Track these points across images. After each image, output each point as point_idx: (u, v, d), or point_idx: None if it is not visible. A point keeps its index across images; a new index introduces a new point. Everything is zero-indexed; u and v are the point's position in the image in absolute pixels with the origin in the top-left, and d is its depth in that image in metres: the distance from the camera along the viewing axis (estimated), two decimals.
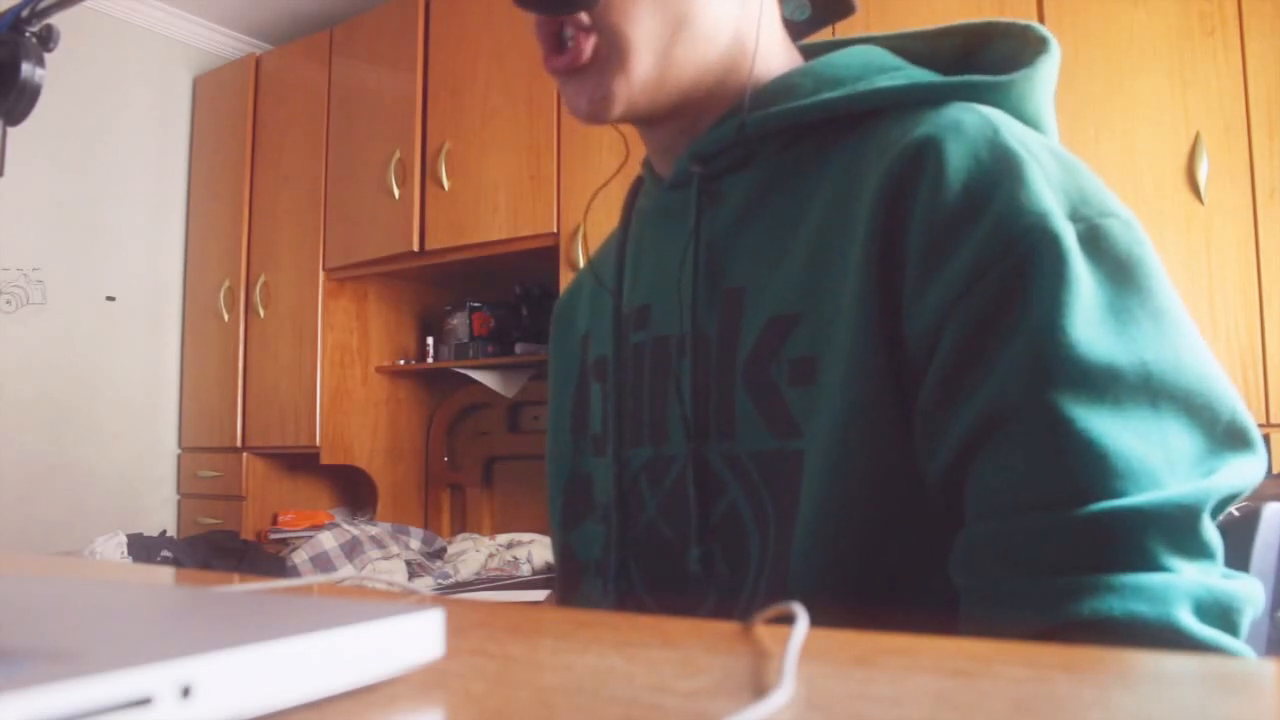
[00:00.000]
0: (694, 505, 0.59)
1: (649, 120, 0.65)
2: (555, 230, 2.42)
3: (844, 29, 1.26)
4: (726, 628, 0.37)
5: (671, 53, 0.60)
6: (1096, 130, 1.76)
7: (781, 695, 0.25)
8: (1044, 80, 0.60)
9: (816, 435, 0.54)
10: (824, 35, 0.77)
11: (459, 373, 2.84)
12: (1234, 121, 1.69)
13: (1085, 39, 1.78)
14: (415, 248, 2.66)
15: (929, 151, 0.52)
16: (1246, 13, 1.69)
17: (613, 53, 0.59)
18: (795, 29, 0.70)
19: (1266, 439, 1.59)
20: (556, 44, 0.60)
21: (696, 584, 0.59)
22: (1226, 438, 0.48)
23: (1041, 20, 1.81)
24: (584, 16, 0.59)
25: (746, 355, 0.58)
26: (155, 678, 0.22)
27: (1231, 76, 1.69)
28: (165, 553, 2.37)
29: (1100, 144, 1.75)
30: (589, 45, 0.59)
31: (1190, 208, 1.70)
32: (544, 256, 2.49)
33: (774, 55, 0.65)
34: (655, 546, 0.63)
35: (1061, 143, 0.61)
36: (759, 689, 0.27)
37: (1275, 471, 1.59)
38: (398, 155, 2.70)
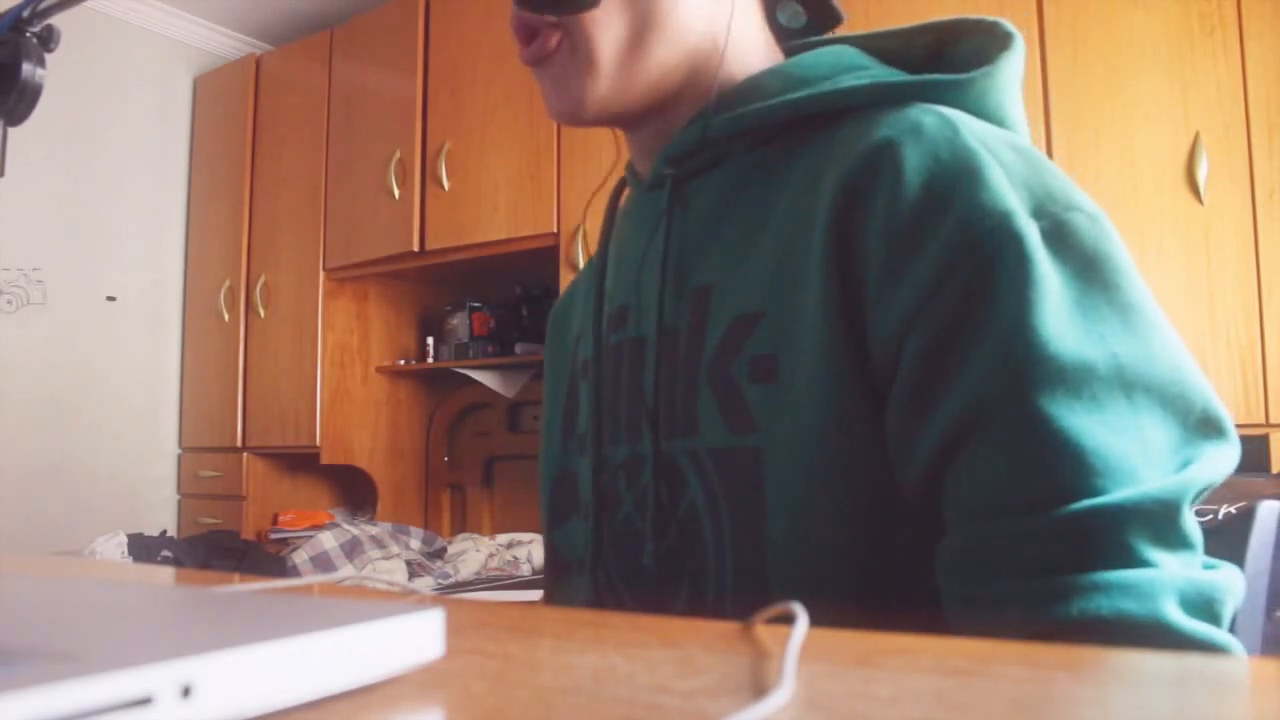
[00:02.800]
0: (652, 501, 0.60)
1: (624, 122, 0.66)
2: (555, 230, 2.43)
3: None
4: (726, 627, 0.37)
5: (638, 53, 0.61)
6: (1096, 131, 1.76)
7: (781, 695, 0.25)
8: (1007, 76, 0.60)
9: (780, 432, 0.54)
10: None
11: (459, 373, 2.85)
12: (1233, 122, 1.69)
13: (1084, 39, 1.78)
14: (415, 248, 2.66)
15: (887, 155, 0.52)
16: (1246, 13, 1.69)
17: (577, 50, 0.61)
18: (791, 37, 0.70)
19: (1266, 439, 1.59)
20: (527, 36, 0.62)
21: (664, 578, 0.60)
22: (1201, 427, 0.49)
23: (1040, 20, 1.81)
24: (550, 15, 0.60)
25: (711, 353, 0.58)
26: (155, 678, 0.23)
27: (1231, 77, 1.69)
28: (165, 553, 2.37)
29: (1100, 144, 1.75)
30: (555, 38, 0.61)
31: (1189, 208, 1.70)
32: (544, 256, 2.49)
33: (752, 56, 0.65)
34: (630, 542, 0.63)
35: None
36: (759, 689, 0.28)
37: (1274, 471, 1.59)
38: (398, 155, 2.70)
